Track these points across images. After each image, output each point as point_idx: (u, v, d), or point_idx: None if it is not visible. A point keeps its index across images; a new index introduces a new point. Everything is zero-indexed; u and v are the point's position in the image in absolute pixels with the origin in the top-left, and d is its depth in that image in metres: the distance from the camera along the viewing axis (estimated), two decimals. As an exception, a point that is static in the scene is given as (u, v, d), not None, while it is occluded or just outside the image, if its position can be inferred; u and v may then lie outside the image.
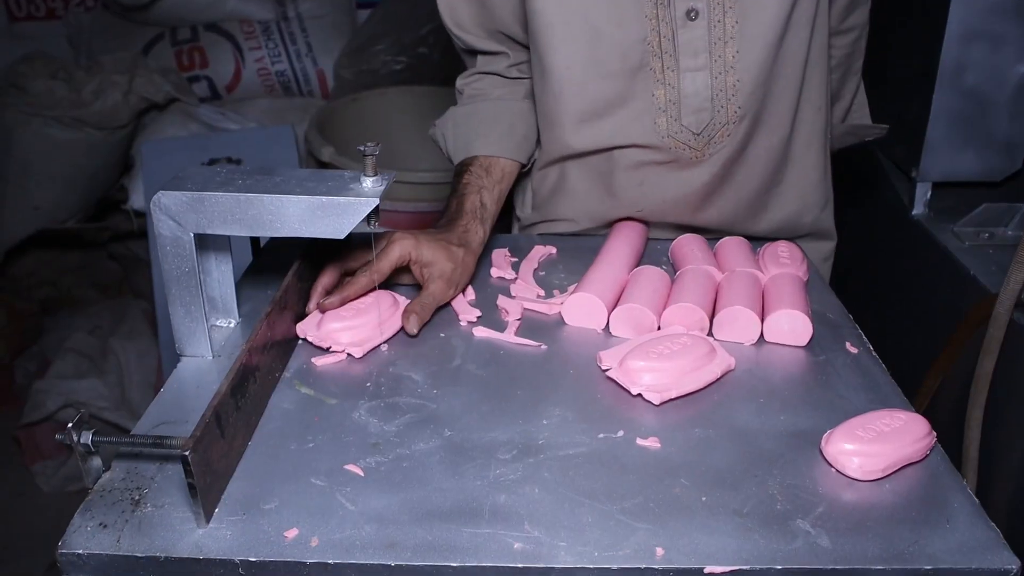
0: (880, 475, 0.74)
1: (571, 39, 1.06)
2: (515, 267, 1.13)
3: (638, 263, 1.10)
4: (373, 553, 0.66)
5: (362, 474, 0.74)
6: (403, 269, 1.03)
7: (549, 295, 1.06)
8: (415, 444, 0.78)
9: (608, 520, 0.69)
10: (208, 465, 0.68)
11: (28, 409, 2.28)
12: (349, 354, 0.92)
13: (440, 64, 2.73)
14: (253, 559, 0.65)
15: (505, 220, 1.38)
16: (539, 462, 0.76)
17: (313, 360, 0.91)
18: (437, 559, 0.65)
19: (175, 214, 0.83)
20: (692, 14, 1.04)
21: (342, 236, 0.83)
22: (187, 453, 0.65)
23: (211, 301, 0.95)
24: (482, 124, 1.18)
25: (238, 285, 1.00)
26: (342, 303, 0.96)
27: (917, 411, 0.79)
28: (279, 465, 0.76)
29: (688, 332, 0.92)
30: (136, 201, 2.49)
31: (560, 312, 1.00)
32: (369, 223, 0.84)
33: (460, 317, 1.00)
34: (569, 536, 0.68)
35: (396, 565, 0.65)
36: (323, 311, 0.95)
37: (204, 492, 0.68)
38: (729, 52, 1.05)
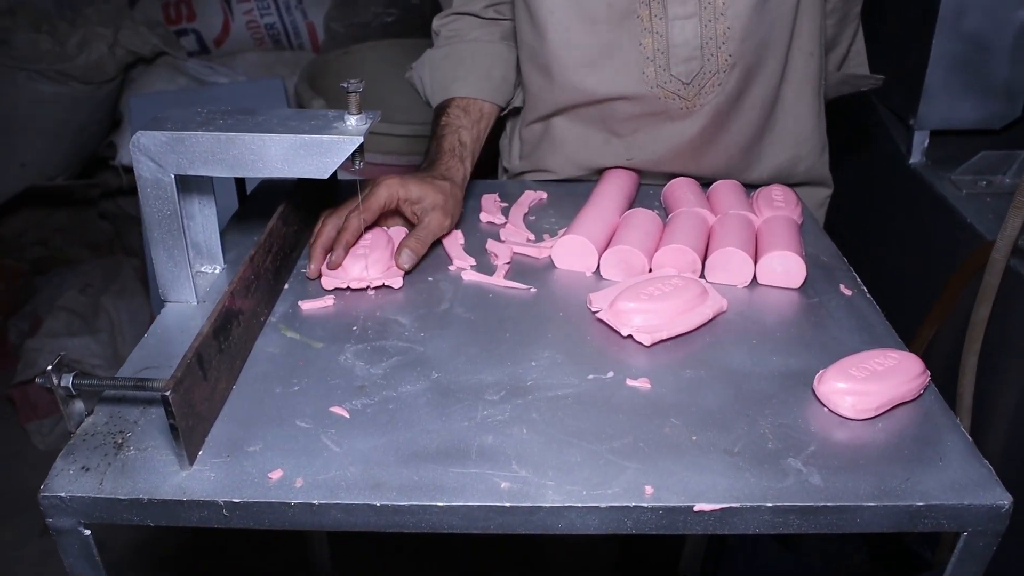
0: (873, 414, 0.73)
1: None
2: (505, 212, 1.11)
3: (630, 207, 1.08)
4: (358, 493, 0.65)
5: (348, 416, 0.73)
6: (392, 215, 1.01)
7: (540, 239, 1.04)
8: (402, 386, 0.77)
9: (597, 459, 0.68)
10: (191, 407, 0.67)
11: (21, 368, 2.27)
12: (387, 286, 0.93)
13: (431, 16, 2.67)
14: (237, 500, 0.65)
15: (492, 171, 1.36)
16: (527, 403, 0.75)
17: (299, 304, 0.90)
18: (423, 499, 0.64)
19: (155, 155, 0.81)
20: None
21: (326, 176, 0.81)
22: (167, 393, 0.63)
23: (196, 246, 0.94)
24: (459, 67, 1.17)
25: (224, 232, 0.98)
26: (346, 252, 0.95)
27: (912, 357, 0.78)
28: (264, 408, 0.75)
29: (680, 274, 0.91)
30: (125, 157, 2.46)
31: (550, 255, 0.98)
32: (354, 162, 0.82)
33: (454, 262, 0.99)
34: (557, 475, 0.67)
35: (381, 505, 0.64)
36: (332, 269, 0.94)
37: (187, 434, 0.66)
38: None
